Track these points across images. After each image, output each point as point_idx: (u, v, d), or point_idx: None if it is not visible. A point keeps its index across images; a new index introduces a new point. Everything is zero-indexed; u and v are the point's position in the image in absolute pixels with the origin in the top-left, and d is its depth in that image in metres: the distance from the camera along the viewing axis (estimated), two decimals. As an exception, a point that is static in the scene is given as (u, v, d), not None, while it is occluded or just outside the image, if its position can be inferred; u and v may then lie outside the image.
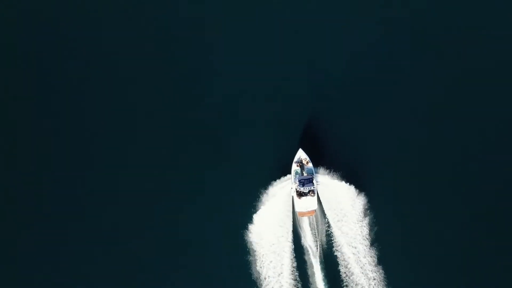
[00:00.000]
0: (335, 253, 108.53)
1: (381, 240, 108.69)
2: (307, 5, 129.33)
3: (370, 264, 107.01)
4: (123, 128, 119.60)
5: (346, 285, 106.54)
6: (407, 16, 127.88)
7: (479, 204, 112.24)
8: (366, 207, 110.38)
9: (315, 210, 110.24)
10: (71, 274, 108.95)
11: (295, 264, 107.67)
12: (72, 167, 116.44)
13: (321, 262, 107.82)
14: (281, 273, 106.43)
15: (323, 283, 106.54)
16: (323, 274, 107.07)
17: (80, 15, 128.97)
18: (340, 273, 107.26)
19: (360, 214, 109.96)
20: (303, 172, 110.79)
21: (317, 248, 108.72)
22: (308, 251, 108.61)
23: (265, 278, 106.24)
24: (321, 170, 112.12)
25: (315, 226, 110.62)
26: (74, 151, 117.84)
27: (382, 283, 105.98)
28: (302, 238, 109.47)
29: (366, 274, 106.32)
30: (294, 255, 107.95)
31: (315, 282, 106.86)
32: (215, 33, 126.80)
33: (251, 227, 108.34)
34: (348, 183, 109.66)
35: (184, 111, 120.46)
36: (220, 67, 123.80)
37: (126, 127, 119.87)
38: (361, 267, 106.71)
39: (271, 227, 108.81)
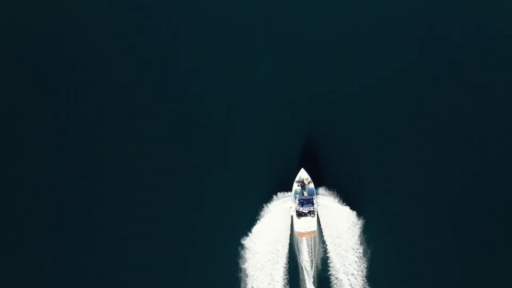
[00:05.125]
0: (330, 277, 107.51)
1: (377, 268, 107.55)
2: (309, 20, 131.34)
3: None
4: (125, 137, 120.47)
5: None
6: (411, 33, 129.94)
7: (488, 230, 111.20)
8: (365, 234, 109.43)
9: (314, 231, 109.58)
10: (73, 276, 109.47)
11: (287, 282, 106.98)
12: (72, 168, 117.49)
13: (314, 284, 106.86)
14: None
15: None
16: None
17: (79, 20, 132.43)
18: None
19: (358, 240, 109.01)
20: (304, 192, 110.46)
21: (312, 269, 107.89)
22: (302, 271, 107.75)
23: None
24: (323, 191, 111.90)
25: (313, 247, 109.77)
26: (74, 152, 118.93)
27: None
28: (298, 257, 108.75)
29: None
30: (288, 274, 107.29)
31: None
32: (215, 47, 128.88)
33: (247, 240, 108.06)
34: (348, 207, 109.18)
35: (186, 125, 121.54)
36: (221, 86, 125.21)
37: (128, 137, 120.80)
38: None
39: (267, 242, 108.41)
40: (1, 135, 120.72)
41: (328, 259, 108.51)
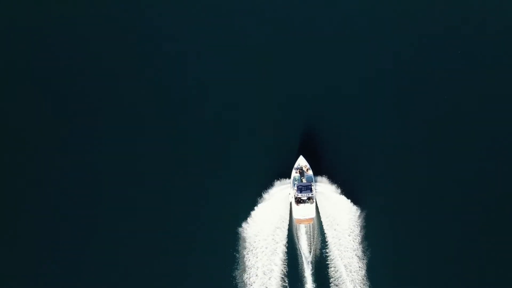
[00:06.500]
0: (328, 264, 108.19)
1: (375, 254, 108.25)
2: (308, 10, 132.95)
3: (360, 280, 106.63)
4: (124, 129, 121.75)
5: None
6: (411, 26, 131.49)
7: (484, 224, 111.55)
8: (363, 221, 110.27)
9: (312, 218, 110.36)
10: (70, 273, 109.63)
11: (285, 266, 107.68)
12: (71, 167, 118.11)
13: (312, 269, 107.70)
14: (271, 273, 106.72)
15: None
16: (313, 281, 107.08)
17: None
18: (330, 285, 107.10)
19: (356, 227, 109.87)
20: (303, 179, 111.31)
21: (310, 255, 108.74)
22: (301, 257, 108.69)
23: (256, 276, 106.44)
24: (321, 179, 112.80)
25: (311, 233, 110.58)
26: (73, 151, 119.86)
27: None
28: (297, 244, 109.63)
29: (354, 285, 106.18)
30: (286, 259, 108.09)
31: (304, 284, 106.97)
32: (215, 38, 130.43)
33: (246, 227, 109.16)
34: (346, 197, 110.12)
35: (189, 114, 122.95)
36: (222, 76, 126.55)
37: (128, 125, 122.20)
38: (351, 281, 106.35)
39: (266, 228, 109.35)
40: (1, 135, 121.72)
41: (326, 246, 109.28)
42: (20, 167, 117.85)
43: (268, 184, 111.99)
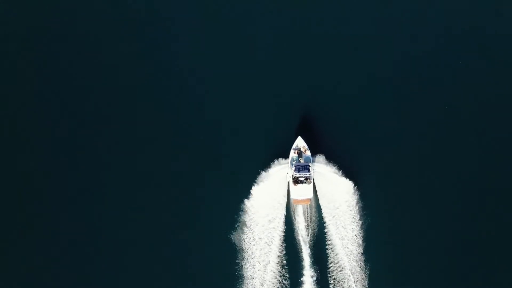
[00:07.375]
0: (326, 243, 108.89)
1: (372, 233, 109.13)
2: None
3: (357, 261, 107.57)
4: (119, 123, 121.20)
5: (332, 276, 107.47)
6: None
7: (476, 204, 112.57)
8: (360, 201, 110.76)
9: (310, 199, 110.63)
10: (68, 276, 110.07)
11: (284, 247, 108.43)
12: (67, 167, 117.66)
13: (310, 249, 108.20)
14: (269, 256, 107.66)
15: (310, 268, 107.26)
16: (310, 258, 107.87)
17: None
18: (328, 265, 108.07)
19: (353, 207, 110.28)
20: (300, 159, 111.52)
21: (308, 235, 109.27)
22: (298, 237, 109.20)
23: (252, 257, 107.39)
24: (319, 159, 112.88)
25: (309, 214, 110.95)
26: (70, 151, 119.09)
27: (365, 277, 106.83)
28: (294, 224, 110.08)
29: (352, 268, 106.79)
30: (284, 239, 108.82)
31: (302, 265, 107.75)
32: (213, 23, 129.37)
33: (244, 206, 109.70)
34: (344, 177, 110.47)
35: (188, 96, 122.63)
36: (223, 59, 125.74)
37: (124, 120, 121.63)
38: (348, 259, 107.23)
39: (264, 208, 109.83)
40: (4, 135, 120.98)
41: (323, 226, 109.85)
42: (19, 169, 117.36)
43: (266, 164, 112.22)
